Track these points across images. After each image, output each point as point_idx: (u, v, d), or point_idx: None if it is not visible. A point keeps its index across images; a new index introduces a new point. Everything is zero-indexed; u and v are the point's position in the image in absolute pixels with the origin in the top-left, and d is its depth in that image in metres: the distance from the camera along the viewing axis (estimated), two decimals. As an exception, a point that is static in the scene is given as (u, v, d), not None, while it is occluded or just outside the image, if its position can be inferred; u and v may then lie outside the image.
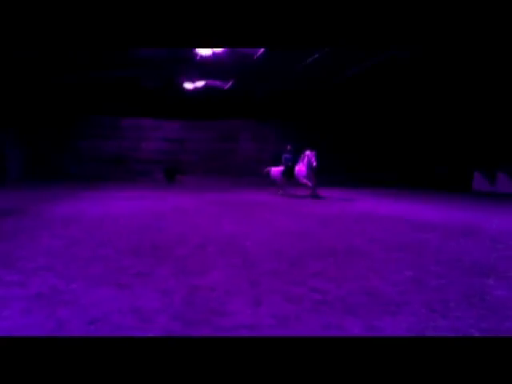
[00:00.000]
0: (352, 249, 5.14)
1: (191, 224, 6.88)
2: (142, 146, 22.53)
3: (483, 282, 3.82)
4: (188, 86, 18.36)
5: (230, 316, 2.92)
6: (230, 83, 18.69)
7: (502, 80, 15.16)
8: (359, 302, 3.24)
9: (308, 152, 12.73)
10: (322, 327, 2.76)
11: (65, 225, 6.54)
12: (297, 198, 12.94)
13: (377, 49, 12.69)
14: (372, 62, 14.17)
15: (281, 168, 13.95)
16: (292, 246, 5.23)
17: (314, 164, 12.40)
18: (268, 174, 14.48)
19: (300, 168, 13.17)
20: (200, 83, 18.01)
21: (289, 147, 14.22)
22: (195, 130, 22.81)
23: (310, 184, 13.04)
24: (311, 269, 4.17)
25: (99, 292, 3.37)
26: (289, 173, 13.61)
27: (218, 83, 18.67)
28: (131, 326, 2.74)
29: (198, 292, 3.41)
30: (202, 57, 13.35)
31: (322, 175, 14.72)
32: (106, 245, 5.12)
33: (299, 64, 14.72)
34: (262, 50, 12.94)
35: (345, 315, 2.97)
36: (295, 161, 13.59)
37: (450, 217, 8.40)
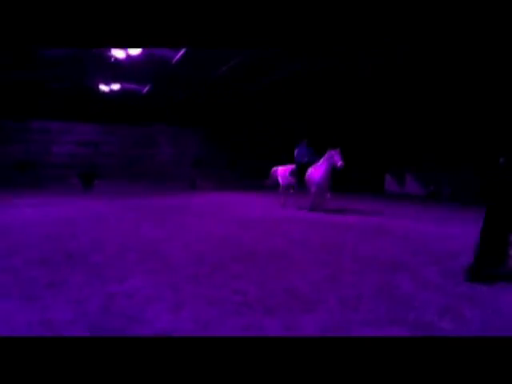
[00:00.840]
0: (273, 250, 5.25)
1: (108, 230, 6.60)
2: (53, 149, 21.22)
3: (393, 277, 4.10)
4: (103, 88, 17.65)
5: (149, 323, 2.84)
6: (148, 87, 18.28)
7: (401, 84, 16.28)
8: (279, 301, 3.32)
9: (333, 151, 9.90)
10: (242, 328, 2.79)
11: (-36, 235, 5.96)
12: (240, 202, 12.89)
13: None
14: (286, 71, 14.55)
15: (290, 167, 11.00)
16: (213, 250, 5.22)
17: (340, 163, 9.58)
18: (272, 176, 11.71)
19: (315, 171, 10.15)
20: (116, 86, 17.39)
21: (305, 141, 11.01)
22: (112, 133, 21.95)
23: (324, 196, 10.29)
24: (233, 271, 4.20)
25: (6, 305, 3.11)
26: (301, 171, 10.53)
27: (134, 87, 18.17)
28: (41, 339, 2.56)
29: (116, 300, 3.28)
30: (116, 59, 12.84)
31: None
32: (14, 255, 4.74)
33: (216, 70, 14.72)
34: (180, 54, 12.75)
35: (265, 315, 3.02)
36: (313, 160, 10.51)
37: (364, 218, 8.91)
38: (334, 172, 9.94)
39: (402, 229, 7.34)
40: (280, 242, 5.80)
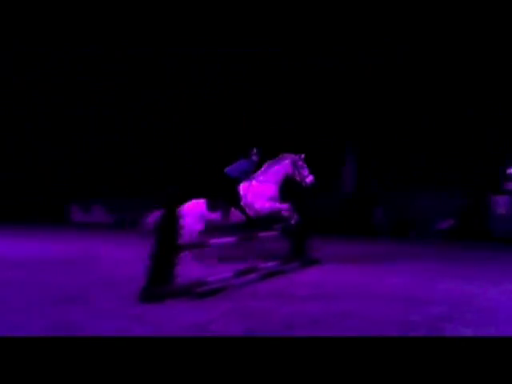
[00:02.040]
0: None
1: None
2: None
3: (65, 309, 3.93)
4: None
5: None
6: None
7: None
8: None
9: (291, 156, 7.03)
10: None
11: None
12: None
13: None
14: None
15: (199, 202, 6.98)
16: None
17: (309, 179, 6.84)
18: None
19: (261, 190, 6.86)
20: None
21: (255, 151, 7.33)
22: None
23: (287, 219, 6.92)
24: None
25: None
26: (231, 194, 6.90)
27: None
28: None
29: None
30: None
31: None
32: None
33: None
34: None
35: None
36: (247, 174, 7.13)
37: (41, 249, 8.27)
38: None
39: (84, 259, 7.21)
40: None
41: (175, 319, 3.66)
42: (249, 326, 3.49)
